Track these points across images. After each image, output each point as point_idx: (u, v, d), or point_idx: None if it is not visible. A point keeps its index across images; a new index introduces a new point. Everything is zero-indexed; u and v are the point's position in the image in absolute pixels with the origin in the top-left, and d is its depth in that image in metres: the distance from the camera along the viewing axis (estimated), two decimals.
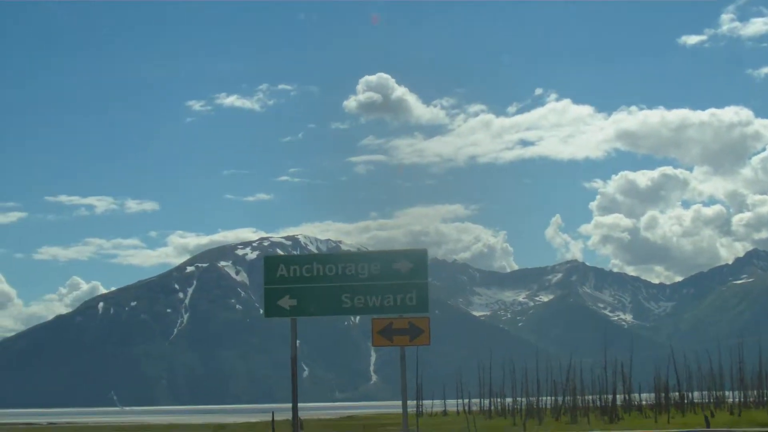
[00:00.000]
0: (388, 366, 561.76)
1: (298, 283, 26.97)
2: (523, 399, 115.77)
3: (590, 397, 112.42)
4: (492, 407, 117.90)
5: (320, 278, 26.94)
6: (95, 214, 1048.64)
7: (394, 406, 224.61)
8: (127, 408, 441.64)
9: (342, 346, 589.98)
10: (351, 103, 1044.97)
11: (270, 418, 76.56)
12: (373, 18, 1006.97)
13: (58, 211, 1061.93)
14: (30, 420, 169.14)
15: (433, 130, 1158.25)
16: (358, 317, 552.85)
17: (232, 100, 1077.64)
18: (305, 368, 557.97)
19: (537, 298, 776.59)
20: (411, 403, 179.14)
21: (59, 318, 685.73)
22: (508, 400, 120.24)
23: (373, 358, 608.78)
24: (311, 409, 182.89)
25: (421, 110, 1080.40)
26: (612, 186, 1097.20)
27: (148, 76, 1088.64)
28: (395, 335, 26.35)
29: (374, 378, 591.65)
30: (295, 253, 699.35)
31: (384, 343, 26.39)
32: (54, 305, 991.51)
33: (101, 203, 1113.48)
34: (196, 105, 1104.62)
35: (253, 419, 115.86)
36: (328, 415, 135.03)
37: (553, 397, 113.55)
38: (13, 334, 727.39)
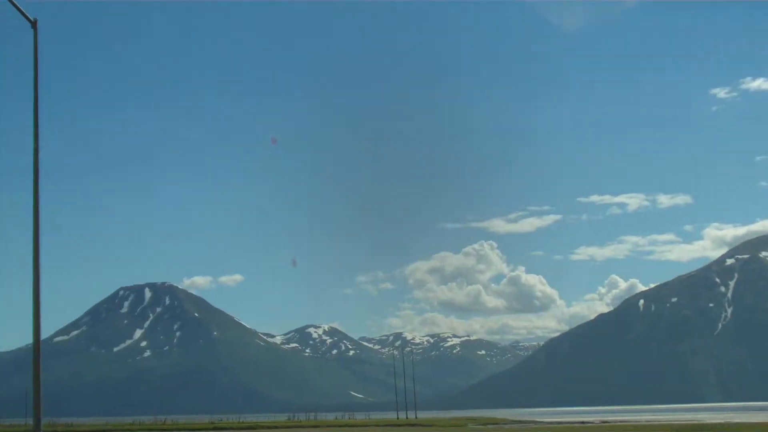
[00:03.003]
0: None
1: None
2: None
3: None
4: None
5: None
6: (627, 212, 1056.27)
7: None
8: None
9: None
10: None
11: None
12: None
13: (591, 212, 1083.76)
14: (583, 418, 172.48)
15: None
16: None
17: (758, 84, 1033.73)
18: None
19: None
20: None
21: (601, 317, 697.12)
22: None
23: None
24: None
25: None
26: None
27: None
28: None
29: None
30: None
31: None
32: (594, 304, 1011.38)
33: (633, 200, 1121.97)
34: (721, 92, 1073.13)
35: None
36: None
37: None
38: (557, 334, 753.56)
